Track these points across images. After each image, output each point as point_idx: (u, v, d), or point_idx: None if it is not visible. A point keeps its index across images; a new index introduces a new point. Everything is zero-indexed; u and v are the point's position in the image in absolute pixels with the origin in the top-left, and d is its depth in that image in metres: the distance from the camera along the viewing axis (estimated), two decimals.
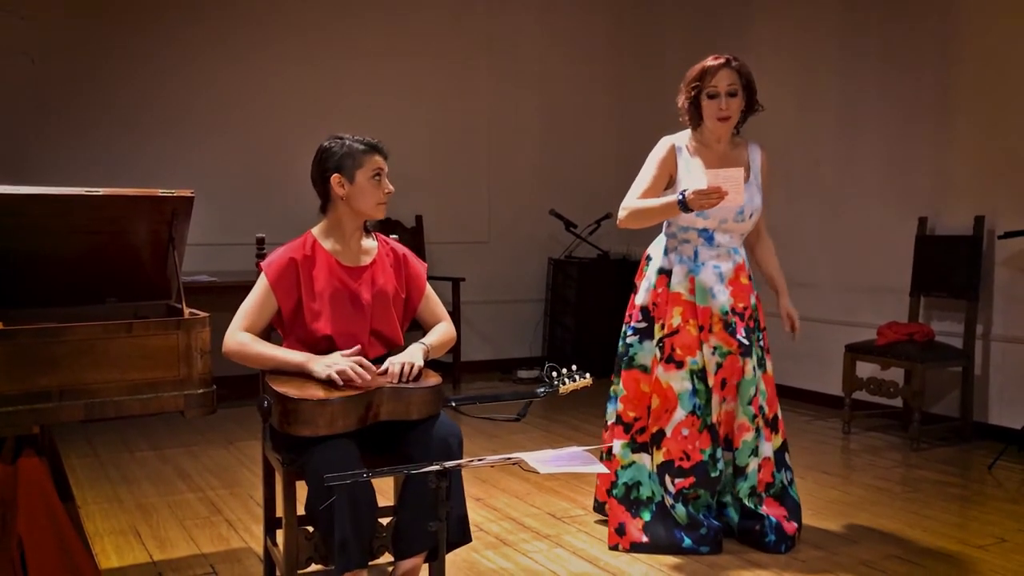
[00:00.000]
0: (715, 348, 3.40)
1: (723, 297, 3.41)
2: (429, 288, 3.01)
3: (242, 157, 6.27)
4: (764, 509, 3.45)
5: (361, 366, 2.66)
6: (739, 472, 3.45)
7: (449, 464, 2.31)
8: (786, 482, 3.53)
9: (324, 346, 2.77)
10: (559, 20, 7.32)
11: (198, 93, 6.15)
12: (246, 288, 2.85)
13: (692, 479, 3.39)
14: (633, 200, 3.43)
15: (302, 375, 2.69)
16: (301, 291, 2.78)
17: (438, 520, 2.31)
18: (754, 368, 3.43)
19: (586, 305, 6.94)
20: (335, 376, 2.63)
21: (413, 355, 2.77)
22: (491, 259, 7.14)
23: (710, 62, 3.37)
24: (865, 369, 5.21)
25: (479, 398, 2.97)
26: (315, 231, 2.88)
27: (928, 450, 4.85)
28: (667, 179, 3.45)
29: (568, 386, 2.93)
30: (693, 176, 3.39)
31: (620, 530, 3.44)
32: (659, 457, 3.42)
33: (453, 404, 2.85)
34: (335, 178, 2.79)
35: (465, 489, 2.80)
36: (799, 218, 5.94)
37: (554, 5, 7.31)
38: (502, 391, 3.17)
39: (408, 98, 6.78)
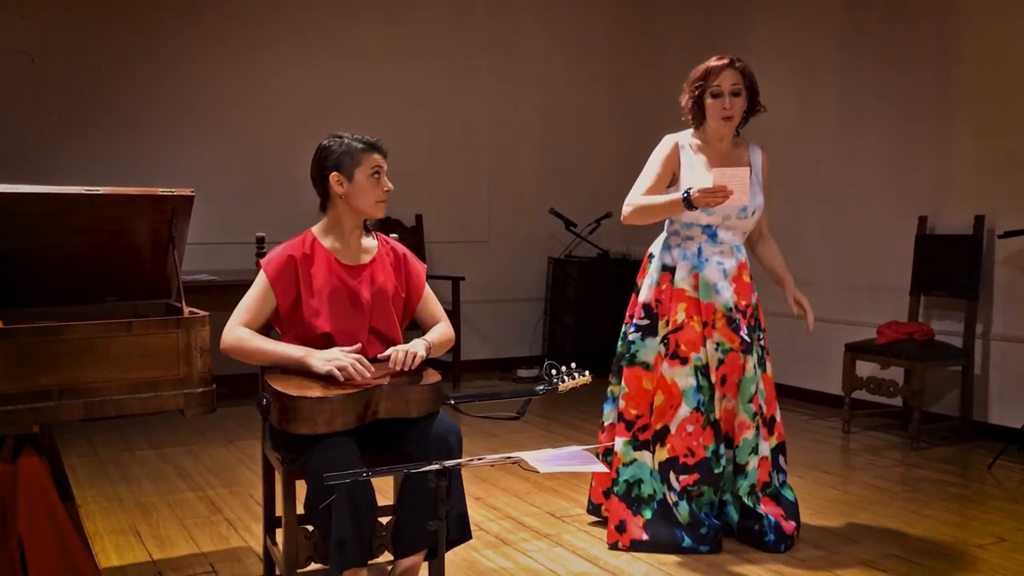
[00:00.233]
0: (718, 344, 3.40)
1: (727, 293, 3.42)
2: (428, 289, 3.01)
3: (242, 156, 6.27)
4: (763, 508, 3.46)
5: (360, 362, 2.66)
6: (739, 470, 3.46)
7: (449, 463, 2.31)
8: (778, 483, 3.54)
9: (323, 344, 2.77)
10: (559, 20, 7.32)
11: (198, 92, 6.16)
12: (246, 287, 2.85)
13: (696, 475, 3.39)
14: (638, 197, 3.45)
15: (301, 373, 2.69)
16: (300, 289, 2.79)
17: (438, 519, 2.31)
18: (755, 366, 3.44)
19: (586, 304, 6.95)
20: (335, 372, 2.62)
21: (415, 345, 2.77)
22: (491, 258, 7.15)
23: (714, 62, 3.40)
24: (865, 368, 5.21)
25: (478, 396, 2.97)
26: (315, 229, 2.88)
27: (928, 449, 4.85)
28: (670, 176, 3.47)
29: (567, 384, 2.93)
30: (696, 174, 3.40)
31: (620, 527, 3.44)
32: (663, 454, 3.42)
33: (452, 402, 2.86)
34: (334, 176, 2.79)
35: (465, 488, 2.80)
36: (799, 217, 5.94)
37: (554, 5, 7.31)
38: (501, 389, 3.17)
39: (408, 98, 6.78)
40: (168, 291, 3.08)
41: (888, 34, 5.51)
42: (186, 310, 2.79)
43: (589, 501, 3.70)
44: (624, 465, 3.47)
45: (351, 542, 2.52)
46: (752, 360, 3.43)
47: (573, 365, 2.98)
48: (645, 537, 3.41)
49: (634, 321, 3.54)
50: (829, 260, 5.86)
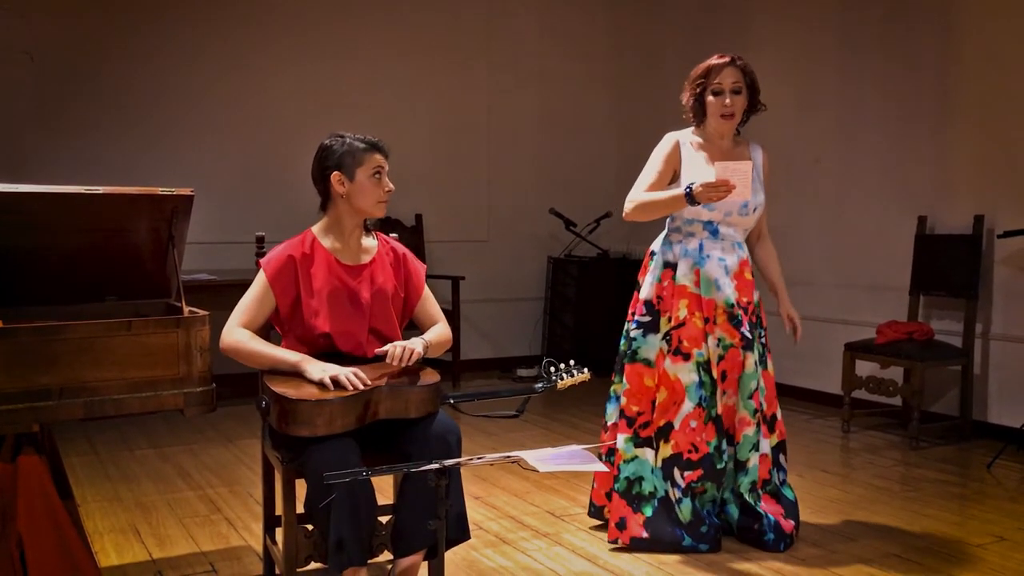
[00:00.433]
0: (719, 340, 3.41)
1: (728, 289, 3.42)
2: (427, 289, 3.01)
3: (242, 156, 6.27)
4: (763, 506, 3.46)
5: (356, 375, 2.65)
6: (740, 467, 3.46)
7: (448, 462, 2.31)
8: (778, 482, 3.54)
9: (323, 344, 2.78)
10: (559, 19, 7.32)
11: (198, 92, 6.16)
12: (246, 286, 2.85)
13: (700, 471, 3.39)
14: (639, 193, 3.46)
15: (300, 374, 2.69)
16: (299, 289, 2.79)
17: (437, 518, 2.31)
18: (755, 363, 3.44)
19: (586, 304, 6.95)
20: (327, 381, 2.63)
21: (413, 342, 2.78)
22: (491, 258, 7.15)
23: (715, 60, 3.41)
24: (864, 368, 5.21)
25: (477, 395, 2.97)
26: (315, 229, 2.88)
27: (927, 449, 4.85)
28: (671, 174, 3.48)
29: (566, 381, 2.93)
30: (697, 171, 3.41)
31: (621, 524, 3.45)
32: (667, 450, 3.42)
33: (451, 401, 2.86)
34: (335, 176, 2.79)
35: (464, 487, 2.81)
36: (799, 217, 5.94)
37: (554, 4, 7.31)
38: (500, 388, 3.17)
39: (408, 97, 6.78)
40: (168, 290, 3.08)
41: (888, 34, 5.51)
42: (186, 309, 2.79)
43: (591, 503, 3.68)
44: (625, 462, 3.48)
45: (351, 541, 2.52)
46: (753, 357, 3.43)
47: (572, 362, 2.98)
48: (645, 535, 3.42)
49: (636, 318, 3.54)
50: (829, 260, 5.86)
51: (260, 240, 5.48)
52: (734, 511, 3.51)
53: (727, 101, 3.39)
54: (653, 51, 7.19)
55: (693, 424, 3.40)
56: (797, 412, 5.63)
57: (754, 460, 3.45)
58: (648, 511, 3.43)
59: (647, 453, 3.47)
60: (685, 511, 3.40)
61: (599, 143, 7.47)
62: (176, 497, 4.06)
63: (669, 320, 3.46)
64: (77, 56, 5.86)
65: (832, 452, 4.89)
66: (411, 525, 2.64)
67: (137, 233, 2.88)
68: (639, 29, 7.37)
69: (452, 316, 5.83)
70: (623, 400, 3.52)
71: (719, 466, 3.43)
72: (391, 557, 2.77)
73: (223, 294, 4.78)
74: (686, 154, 3.47)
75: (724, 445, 3.45)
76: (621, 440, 3.49)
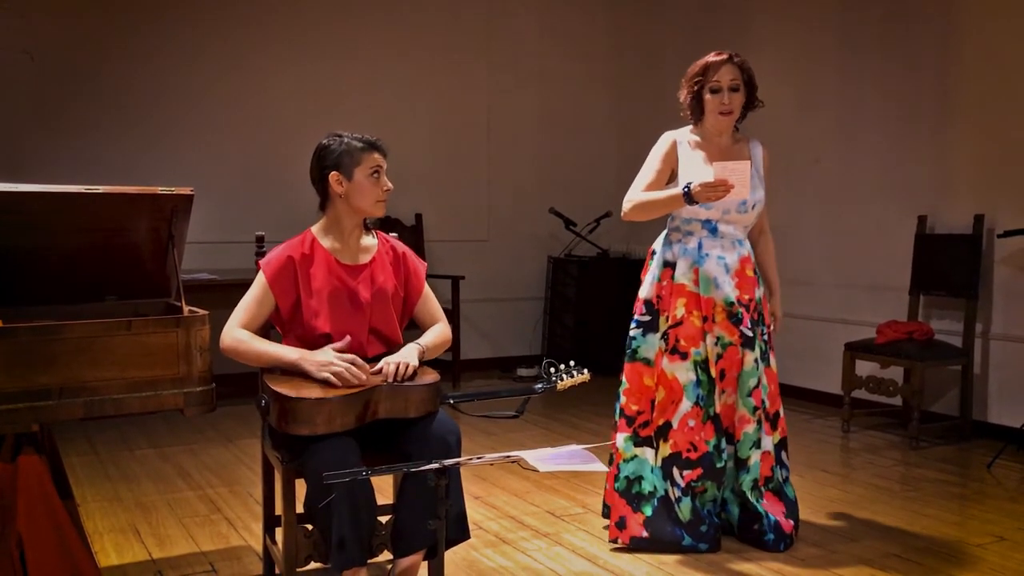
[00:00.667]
0: (718, 338, 3.41)
1: (728, 288, 3.42)
2: (427, 288, 3.01)
3: (242, 155, 6.27)
4: (765, 504, 3.45)
5: (355, 364, 2.66)
6: (741, 465, 3.46)
7: (448, 462, 2.31)
8: (781, 479, 3.54)
9: (323, 344, 2.77)
10: (559, 19, 7.32)
11: (198, 91, 6.16)
12: (246, 286, 2.85)
13: (700, 470, 3.39)
14: (637, 193, 3.45)
15: (300, 373, 2.69)
16: (299, 289, 2.79)
17: (437, 518, 2.31)
18: (756, 360, 3.43)
19: (586, 303, 6.95)
20: (331, 379, 2.63)
21: (408, 355, 2.77)
22: (491, 257, 7.15)
23: (712, 58, 3.41)
24: (864, 368, 5.21)
25: (477, 395, 2.97)
26: (314, 229, 2.88)
27: (927, 449, 4.85)
28: (669, 173, 3.48)
29: (566, 382, 2.93)
30: (695, 170, 3.41)
31: (620, 524, 3.45)
32: (666, 449, 3.42)
33: (451, 401, 2.86)
34: (333, 176, 2.79)
35: (464, 487, 2.81)
36: (799, 217, 5.94)
37: (554, 4, 7.31)
38: (500, 388, 3.17)
39: (408, 97, 6.78)
40: (168, 290, 3.08)
41: (888, 34, 5.51)
42: (186, 309, 2.79)
43: (604, 504, 3.65)
44: (625, 461, 3.48)
45: (351, 541, 2.52)
46: (754, 354, 3.43)
47: (572, 363, 2.98)
48: (645, 534, 3.42)
49: (635, 317, 3.54)
50: (829, 259, 5.86)
51: (260, 240, 5.47)
52: (734, 510, 3.51)
53: (725, 99, 3.39)
54: (653, 51, 7.19)
55: (691, 423, 3.40)
56: (797, 412, 5.63)
57: (755, 458, 3.44)
58: (648, 510, 3.43)
59: (647, 452, 3.47)
60: (685, 510, 3.40)
61: (599, 143, 7.46)
62: (176, 497, 4.06)
63: (667, 319, 3.46)
64: (77, 56, 5.86)
65: (832, 452, 4.89)
66: (411, 525, 2.64)
67: (137, 233, 2.88)
68: (639, 29, 7.37)
69: (452, 316, 5.83)
70: (623, 399, 3.52)
71: (718, 465, 3.43)
72: (391, 557, 2.77)
73: (223, 294, 4.78)
74: (683, 153, 3.47)
75: (723, 444, 3.45)
76: (621, 439, 3.49)
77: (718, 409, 3.43)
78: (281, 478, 2.77)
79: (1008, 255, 4.95)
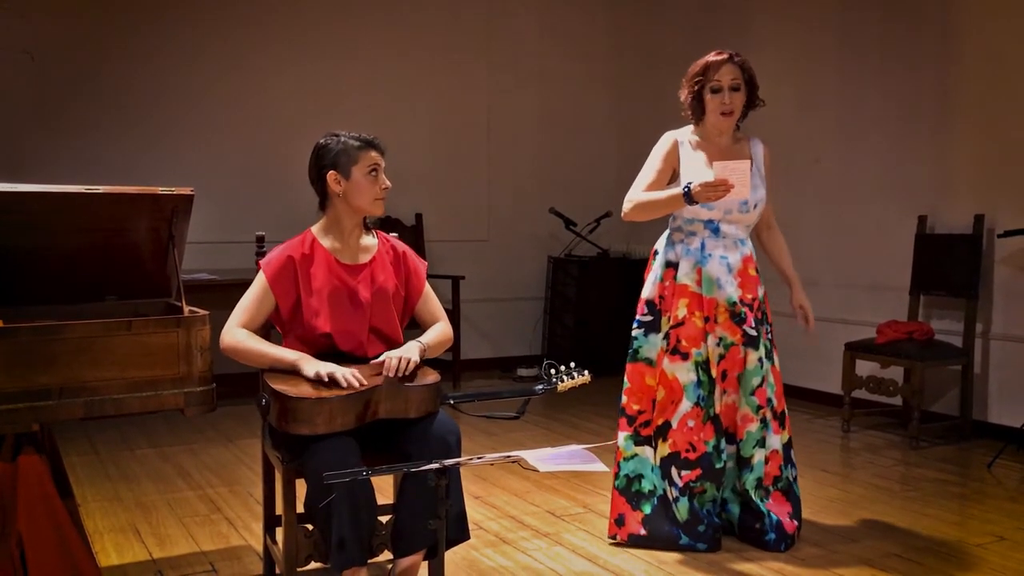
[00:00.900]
0: (720, 339, 3.41)
1: (731, 288, 3.42)
2: (428, 287, 3.01)
3: (242, 155, 6.27)
4: (770, 503, 3.45)
5: (353, 376, 2.64)
6: (744, 464, 3.45)
7: (448, 462, 2.31)
8: (791, 478, 3.54)
9: (323, 343, 2.77)
10: (559, 19, 7.32)
11: (198, 91, 6.16)
12: (246, 286, 2.85)
13: (699, 471, 3.39)
14: (638, 193, 3.45)
15: (298, 373, 2.69)
16: (300, 289, 2.79)
17: (437, 518, 2.31)
18: (760, 359, 3.43)
19: (586, 303, 6.95)
20: (322, 375, 2.62)
21: (409, 351, 2.77)
22: (491, 257, 7.15)
23: (713, 57, 3.41)
24: (865, 367, 5.21)
25: (477, 395, 2.97)
26: (314, 229, 2.88)
27: (927, 448, 4.85)
28: (670, 173, 3.48)
29: (566, 383, 2.93)
30: (696, 170, 3.41)
31: (619, 521, 3.46)
32: (665, 449, 3.42)
33: (451, 402, 2.86)
34: (331, 175, 2.79)
35: (464, 487, 2.81)
36: (799, 216, 5.93)
37: (554, 4, 7.31)
38: (501, 389, 3.17)
39: (408, 97, 6.78)
40: (168, 290, 3.08)
41: (888, 34, 5.51)
42: (186, 309, 2.79)
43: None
44: (625, 459, 3.49)
45: (351, 541, 2.52)
46: (757, 354, 3.42)
47: (572, 364, 2.98)
48: (643, 532, 3.42)
49: (637, 317, 3.55)
50: (829, 259, 5.86)
51: (260, 240, 5.47)
52: (735, 510, 3.51)
53: (726, 99, 3.39)
54: (653, 51, 7.19)
55: (691, 423, 3.40)
56: (797, 412, 5.63)
57: (759, 456, 3.44)
58: (647, 509, 3.44)
59: (647, 451, 3.48)
60: (682, 510, 3.40)
61: (599, 143, 7.46)
62: (176, 497, 4.06)
63: (669, 320, 3.46)
64: (77, 56, 5.87)
65: (832, 452, 4.88)
66: (411, 525, 2.64)
67: (137, 233, 2.88)
68: (639, 29, 7.37)
69: (452, 316, 5.82)
70: (624, 399, 3.53)
71: (717, 465, 3.43)
72: (391, 557, 2.77)
73: (223, 294, 4.78)
74: (684, 153, 3.47)
75: (723, 444, 3.45)
76: (621, 438, 3.50)
77: (718, 410, 3.43)
78: (281, 478, 2.77)
79: (1008, 255, 4.95)
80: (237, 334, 2.75)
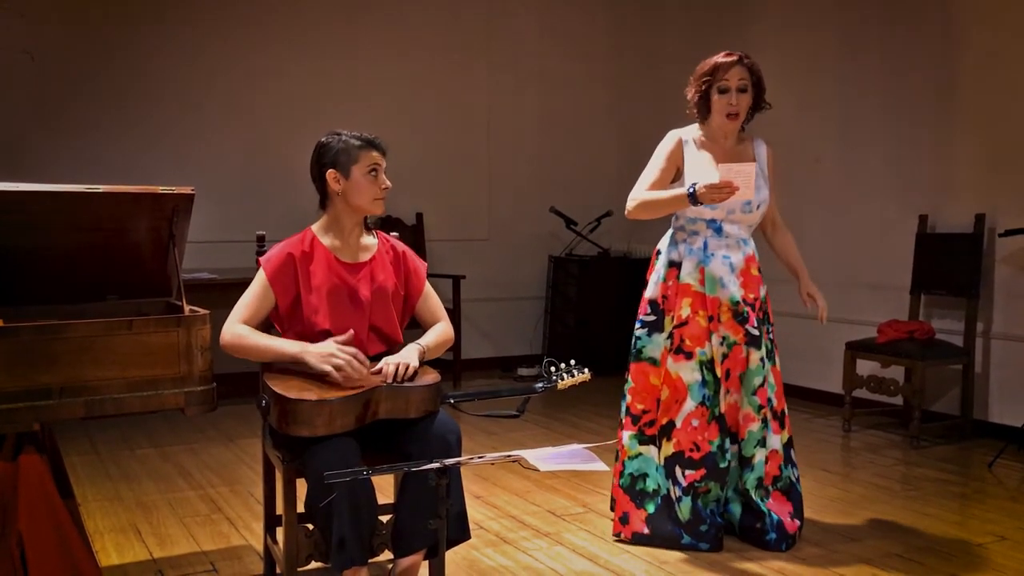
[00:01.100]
0: (723, 338, 3.41)
1: (733, 287, 3.42)
2: (428, 287, 3.00)
3: (242, 154, 6.27)
4: (770, 503, 3.45)
5: (356, 358, 2.65)
6: (745, 463, 3.45)
7: (448, 461, 2.31)
8: (794, 478, 3.54)
9: (322, 341, 2.77)
10: (559, 19, 7.32)
11: (198, 91, 6.16)
12: (246, 285, 2.85)
13: (703, 471, 3.39)
14: (642, 191, 3.45)
15: (301, 373, 2.69)
16: (299, 286, 2.79)
17: (438, 517, 2.31)
18: (762, 359, 3.43)
19: (587, 303, 6.94)
20: (332, 372, 2.62)
21: (408, 356, 2.76)
22: (491, 257, 7.15)
23: (722, 58, 3.40)
24: (865, 367, 5.21)
25: (477, 394, 2.97)
26: (315, 227, 2.88)
27: (928, 448, 4.85)
28: (674, 172, 3.48)
29: (567, 381, 2.93)
30: (700, 169, 3.41)
31: (624, 519, 3.48)
32: (669, 448, 3.42)
33: (451, 401, 2.85)
34: (331, 174, 2.79)
35: (465, 487, 2.81)
36: (800, 216, 5.92)
37: (554, 4, 7.31)
38: (501, 388, 3.17)
39: (408, 96, 6.78)
40: (169, 289, 3.08)
41: (888, 33, 5.51)
42: (187, 308, 2.79)
43: (612, 497, 3.65)
44: (630, 458, 3.49)
45: (351, 541, 2.52)
46: (759, 353, 3.42)
47: (572, 362, 2.98)
48: (646, 531, 3.43)
49: (640, 317, 3.55)
50: (829, 259, 5.85)
51: (261, 239, 5.42)
52: (736, 510, 3.51)
53: (733, 100, 3.39)
54: (653, 51, 7.18)
55: (695, 423, 3.40)
56: (798, 411, 5.62)
57: (760, 456, 3.44)
58: (651, 507, 3.44)
59: (651, 450, 3.48)
60: (684, 510, 3.40)
61: (599, 142, 7.46)
62: (177, 496, 4.06)
63: (673, 319, 3.46)
64: (77, 56, 5.86)
65: (833, 451, 4.88)
66: (411, 524, 2.64)
67: (138, 232, 2.88)
68: (639, 29, 7.36)
69: (453, 315, 5.82)
70: (628, 398, 3.53)
71: (722, 465, 3.42)
72: (392, 556, 2.77)
73: (224, 293, 4.78)
74: (689, 152, 3.47)
75: (727, 444, 3.45)
76: (626, 437, 3.51)
77: (723, 409, 3.43)
78: (282, 478, 2.77)
79: (1009, 254, 4.95)
80: (238, 329, 2.75)
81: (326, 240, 2.85)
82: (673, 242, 3.53)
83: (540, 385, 2.89)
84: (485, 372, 6.99)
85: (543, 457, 2.31)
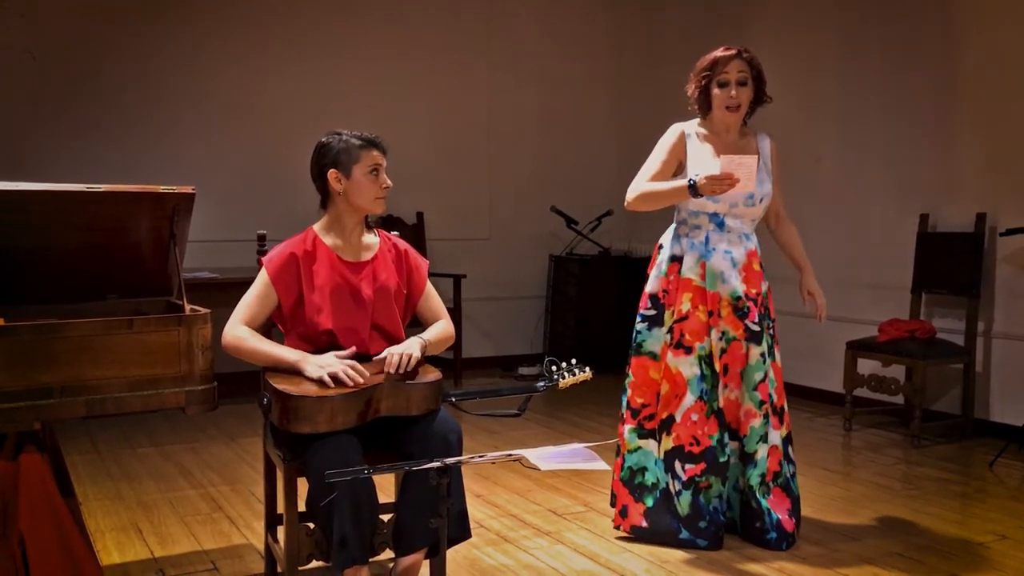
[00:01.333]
0: (723, 333, 3.41)
1: (735, 282, 3.42)
2: (430, 285, 3.01)
3: (243, 154, 6.27)
4: (771, 499, 3.45)
5: (355, 369, 2.65)
6: (748, 459, 3.45)
7: (449, 460, 2.31)
8: (789, 475, 3.54)
9: (325, 341, 2.77)
10: (559, 19, 7.32)
11: (199, 90, 6.16)
12: (247, 284, 2.85)
13: (703, 465, 3.39)
14: (642, 183, 3.45)
15: (300, 374, 2.69)
16: (302, 286, 2.79)
17: (438, 516, 2.31)
18: (763, 355, 3.43)
19: (587, 302, 6.94)
20: (327, 379, 2.62)
21: (411, 347, 2.76)
22: (492, 256, 7.15)
23: (721, 52, 3.41)
24: (866, 366, 5.21)
25: (478, 393, 2.97)
26: (316, 227, 2.88)
27: (929, 447, 4.85)
28: (676, 165, 3.48)
29: (568, 380, 2.93)
30: (702, 163, 3.41)
31: (623, 512, 3.49)
32: (668, 443, 3.42)
33: (453, 400, 2.85)
34: (332, 173, 2.79)
35: (466, 486, 2.81)
36: (800, 216, 5.87)
37: (554, 4, 7.31)
38: (502, 387, 3.18)
39: (409, 96, 6.78)
40: (169, 289, 3.08)
41: (888, 33, 5.51)
42: (187, 307, 2.79)
43: (612, 492, 3.64)
44: (629, 452, 3.50)
45: (352, 540, 2.52)
46: (760, 349, 3.42)
47: (573, 361, 2.98)
48: (645, 524, 3.44)
49: (640, 312, 3.55)
50: (830, 258, 5.84)
51: (261, 238, 5.42)
52: (736, 508, 3.51)
53: (732, 93, 3.39)
54: (653, 51, 7.19)
55: (694, 417, 3.40)
56: (799, 410, 5.62)
57: (762, 452, 3.44)
58: (649, 501, 3.45)
59: (651, 444, 3.49)
60: (684, 504, 3.40)
61: (599, 142, 7.46)
62: (178, 495, 4.06)
63: (673, 314, 3.46)
64: (77, 56, 5.87)
65: (834, 450, 4.88)
66: (412, 523, 2.64)
67: (138, 231, 2.88)
68: (639, 29, 7.36)
69: (454, 314, 5.81)
70: (628, 392, 3.54)
71: (721, 459, 3.42)
72: (393, 555, 2.77)
73: (224, 292, 4.78)
74: (692, 146, 3.47)
75: (727, 439, 3.45)
76: (626, 431, 3.52)
77: (721, 404, 3.43)
78: (283, 476, 2.77)
79: (1010, 253, 4.95)
80: (239, 331, 2.75)
81: (328, 239, 2.85)
82: (676, 236, 3.53)
83: (541, 384, 2.90)
84: (486, 371, 6.99)
85: (544, 456, 2.31)
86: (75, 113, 5.85)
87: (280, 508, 2.92)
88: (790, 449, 3.57)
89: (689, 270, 3.45)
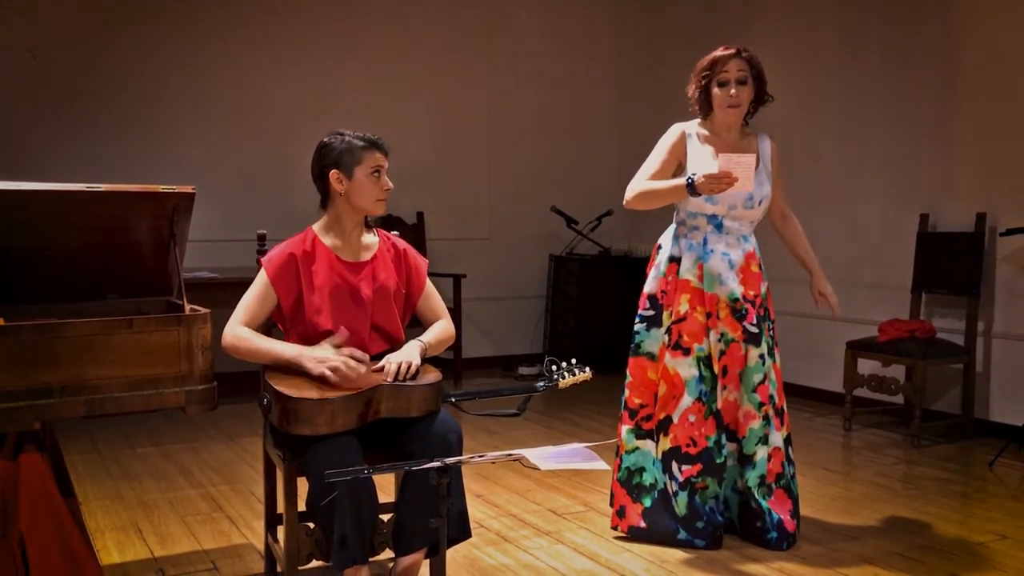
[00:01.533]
0: (721, 334, 3.41)
1: (732, 284, 3.41)
2: (430, 285, 3.00)
3: (243, 154, 6.28)
4: (772, 501, 3.45)
5: (354, 358, 2.66)
6: (747, 461, 3.45)
7: (449, 460, 2.31)
8: (790, 476, 3.54)
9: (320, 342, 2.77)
10: (559, 19, 7.32)
11: (199, 90, 6.16)
12: (247, 284, 2.85)
13: (700, 466, 3.39)
14: (641, 181, 3.45)
15: (302, 372, 2.69)
16: (301, 286, 2.79)
17: (438, 516, 2.31)
18: (762, 356, 3.43)
19: (587, 302, 6.95)
20: (328, 374, 2.62)
21: (410, 353, 2.76)
22: (492, 255, 7.15)
23: (721, 52, 3.41)
24: (866, 366, 5.21)
25: (478, 393, 2.96)
26: (316, 227, 2.88)
27: (929, 447, 4.85)
28: (676, 164, 3.48)
29: (568, 380, 2.92)
30: (702, 163, 3.41)
31: (621, 513, 3.49)
32: (666, 444, 3.42)
33: (453, 400, 2.85)
34: (333, 174, 2.79)
35: (466, 485, 2.81)
36: (800, 215, 5.88)
37: (554, 4, 7.31)
38: (501, 387, 3.18)
39: (409, 96, 6.79)
40: (169, 288, 3.08)
41: (888, 33, 5.51)
42: (187, 307, 2.79)
43: (611, 492, 3.63)
44: (627, 452, 3.50)
45: (352, 539, 2.52)
46: (759, 350, 3.42)
47: (573, 361, 2.97)
48: (643, 525, 3.44)
49: (639, 312, 3.55)
50: (830, 258, 5.81)
51: (261, 238, 5.42)
52: (735, 509, 3.51)
53: (732, 91, 3.38)
54: (654, 51, 7.19)
55: (692, 418, 3.40)
56: (799, 410, 5.62)
57: (762, 454, 3.44)
58: (647, 502, 3.45)
59: (648, 445, 3.49)
60: (681, 505, 3.40)
61: (600, 142, 7.46)
62: (178, 495, 4.06)
63: (671, 315, 3.46)
64: (77, 55, 5.87)
65: (834, 450, 4.88)
66: (412, 523, 2.64)
67: (138, 231, 2.88)
68: (640, 29, 7.36)
69: (454, 314, 5.80)
70: (626, 392, 3.54)
71: (718, 461, 3.42)
72: (392, 555, 2.77)
73: (224, 292, 4.76)
74: (692, 146, 3.47)
75: (724, 440, 3.45)
76: (624, 431, 3.51)
77: (719, 405, 3.43)
78: (283, 476, 2.77)
79: (1010, 253, 4.95)
80: (238, 331, 2.75)
81: (327, 240, 2.85)
82: (674, 237, 3.53)
83: (541, 384, 2.89)
84: (486, 371, 6.99)
85: (544, 456, 2.31)
86: (75, 113, 5.85)
87: (280, 508, 2.92)
88: (790, 450, 3.58)
89: (687, 271, 3.45)
